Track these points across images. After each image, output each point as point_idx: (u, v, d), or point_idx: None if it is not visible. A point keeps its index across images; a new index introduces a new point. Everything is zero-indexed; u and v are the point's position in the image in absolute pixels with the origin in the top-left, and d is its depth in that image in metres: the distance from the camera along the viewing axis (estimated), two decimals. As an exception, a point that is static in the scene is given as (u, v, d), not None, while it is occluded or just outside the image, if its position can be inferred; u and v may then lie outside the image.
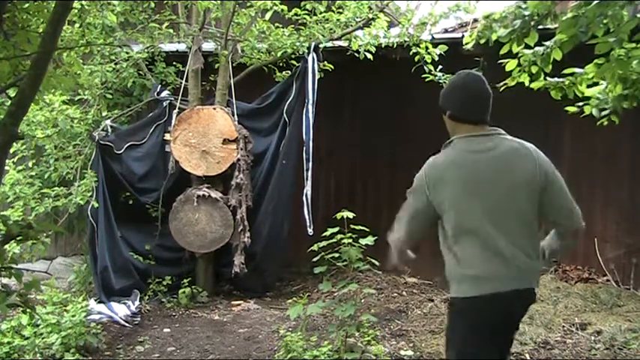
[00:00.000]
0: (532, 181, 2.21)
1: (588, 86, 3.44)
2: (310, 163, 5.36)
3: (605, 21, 2.55)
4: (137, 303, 5.09)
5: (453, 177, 2.22)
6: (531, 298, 2.29)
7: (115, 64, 5.80)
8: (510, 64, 3.33)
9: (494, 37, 3.13)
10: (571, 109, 3.57)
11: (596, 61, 3.15)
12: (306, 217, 5.29)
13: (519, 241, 2.19)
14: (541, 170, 2.22)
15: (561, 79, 3.44)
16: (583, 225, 2.31)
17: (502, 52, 3.17)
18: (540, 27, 2.96)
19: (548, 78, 3.46)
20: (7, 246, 2.50)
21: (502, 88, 3.38)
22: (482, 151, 2.24)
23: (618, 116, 3.40)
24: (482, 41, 3.27)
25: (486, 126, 2.30)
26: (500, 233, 2.16)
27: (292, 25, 5.70)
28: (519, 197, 2.20)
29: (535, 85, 3.47)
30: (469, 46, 3.51)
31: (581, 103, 3.54)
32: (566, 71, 3.41)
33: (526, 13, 2.87)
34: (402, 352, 4.10)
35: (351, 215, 3.80)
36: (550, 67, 3.16)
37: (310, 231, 5.16)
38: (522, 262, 2.19)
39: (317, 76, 5.38)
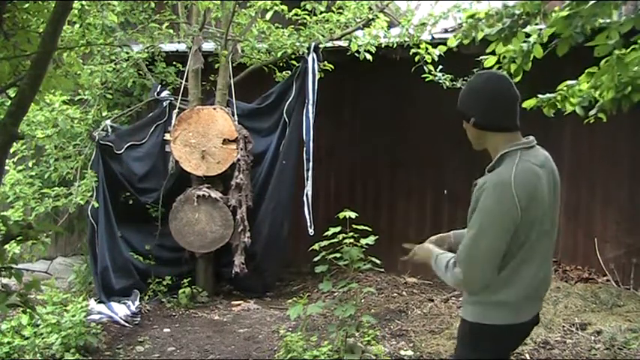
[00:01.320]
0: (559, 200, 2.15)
1: None
2: (311, 163, 5.36)
3: (598, 19, 2.55)
4: (137, 303, 5.09)
5: (542, 190, 1.96)
6: None
7: (115, 64, 5.80)
8: (489, 61, 3.32)
9: (479, 36, 3.12)
10: (547, 111, 3.57)
11: (588, 70, 3.15)
12: (307, 217, 5.28)
13: (551, 262, 2.16)
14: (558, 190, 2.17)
15: (553, 95, 3.43)
16: None
17: (488, 50, 3.17)
18: (529, 26, 2.95)
19: (540, 95, 3.46)
20: (7, 246, 2.49)
21: None
22: (540, 165, 2.01)
23: (606, 114, 3.38)
24: (465, 41, 3.26)
25: (520, 133, 2.07)
26: (549, 256, 2.09)
27: (292, 26, 5.70)
28: (557, 217, 2.12)
29: (528, 104, 3.46)
30: (453, 46, 3.50)
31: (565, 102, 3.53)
32: (561, 86, 3.41)
33: (516, 12, 2.86)
34: (402, 352, 4.10)
35: (353, 215, 3.80)
36: (530, 65, 3.15)
37: (311, 231, 5.16)
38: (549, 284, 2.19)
39: (317, 76, 5.38)
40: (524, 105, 3.46)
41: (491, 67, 3.33)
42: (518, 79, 3.19)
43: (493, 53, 3.19)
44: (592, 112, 3.35)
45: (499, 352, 2.12)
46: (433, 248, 2.22)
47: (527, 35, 3.03)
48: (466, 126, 2.11)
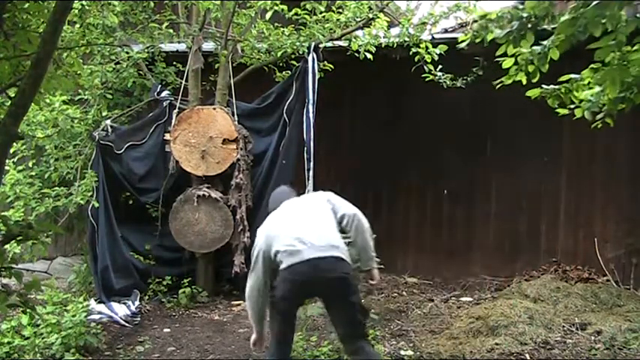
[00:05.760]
0: None
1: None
2: (312, 163, 5.35)
3: (603, 21, 2.54)
4: (137, 303, 5.09)
5: None
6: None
7: (115, 64, 5.79)
8: (507, 62, 3.31)
9: (489, 36, 3.12)
10: (562, 111, 3.56)
11: (591, 65, 3.14)
12: (308, 217, 5.27)
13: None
14: None
15: (557, 87, 3.42)
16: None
17: (498, 52, 3.16)
18: (538, 28, 2.95)
19: (544, 85, 3.44)
20: (7, 246, 2.49)
21: (498, 86, 3.39)
22: None
23: (613, 119, 3.38)
24: (477, 41, 3.26)
25: None
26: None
27: (292, 25, 5.70)
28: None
29: (532, 94, 3.44)
30: (463, 45, 3.49)
31: (572, 106, 3.52)
32: (563, 78, 3.40)
33: (524, 14, 2.86)
34: (402, 352, 4.10)
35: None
36: (547, 66, 3.14)
37: (312, 231, 5.15)
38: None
39: (317, 76, 5.38)
40: (527, 94, 3.45)
41: (508, 69, 3.32)
42: (536, 80, 3.19)
43: (505, 54, 3.18)
44: (599, 117, 3.35)
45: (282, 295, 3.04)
46: None
47: (537, 38, 3.02)
48: None
